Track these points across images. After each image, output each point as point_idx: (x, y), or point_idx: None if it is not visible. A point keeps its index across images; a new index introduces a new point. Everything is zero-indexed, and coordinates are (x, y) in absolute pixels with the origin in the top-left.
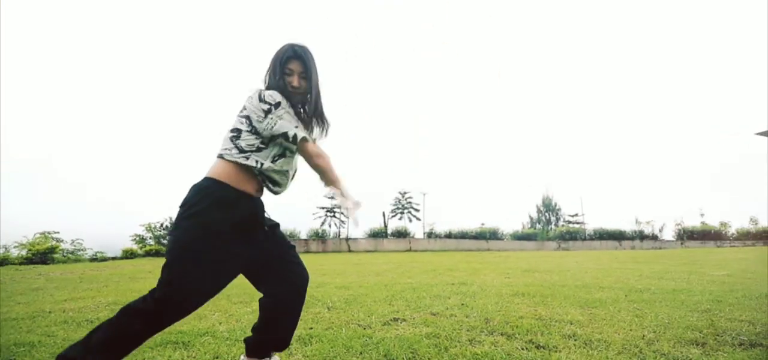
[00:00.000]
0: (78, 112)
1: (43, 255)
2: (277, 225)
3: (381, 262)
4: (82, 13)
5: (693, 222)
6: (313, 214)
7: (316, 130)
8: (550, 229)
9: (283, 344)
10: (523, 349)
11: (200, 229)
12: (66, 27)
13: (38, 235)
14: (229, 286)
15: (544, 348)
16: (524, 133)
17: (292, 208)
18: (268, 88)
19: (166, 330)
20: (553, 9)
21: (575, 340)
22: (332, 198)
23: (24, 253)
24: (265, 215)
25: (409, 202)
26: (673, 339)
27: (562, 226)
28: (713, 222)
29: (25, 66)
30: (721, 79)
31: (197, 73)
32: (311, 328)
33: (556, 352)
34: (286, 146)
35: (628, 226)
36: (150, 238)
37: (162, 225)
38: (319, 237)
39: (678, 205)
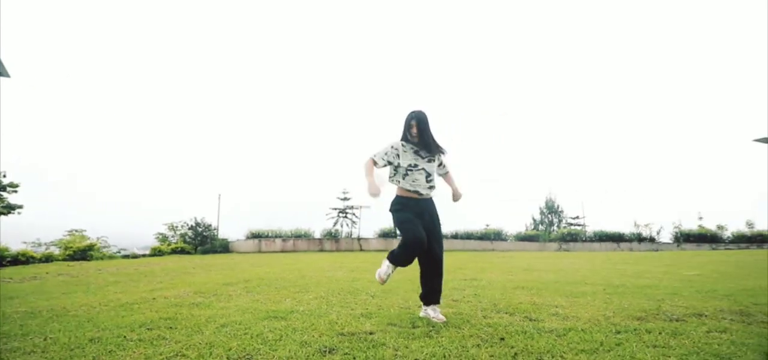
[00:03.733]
0: (73, 112)
1: (83, 252)
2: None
3: None
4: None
5: (691, 225)
6: (327, 214)
7: (437, 156)
8: (553, 231)
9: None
10: (520, 321)
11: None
12: (70, 22)
13: (68, 234)
14: (292, 281)
15: (534, 320)
16: (528, 138)
17: (307, 208)
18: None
19: (268, 308)
20: (550, 16)
21: (557, 315)
22: (345, 200)
23: (59, 251)
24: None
25: None
26: (624, 316)
27: (564, 228)
28: (711, 225)
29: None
30: (720, 85)
31: (199, 75)
32: (367, 308)
33: (541, 322)
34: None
35: (627, 229)
36: (172, 235)
37: (188, 225)
38: (333, 236)
39: (677, 208)
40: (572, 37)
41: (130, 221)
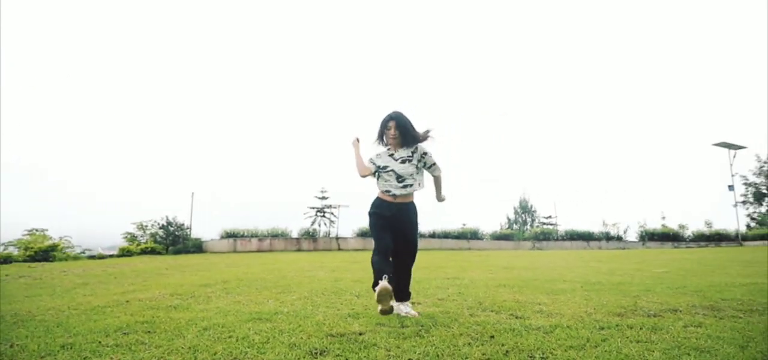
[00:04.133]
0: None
1: (45, 253)
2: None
3: None
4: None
5: (655, 224)
6: (304, 213)
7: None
8: (526, 230)
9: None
10: (507, 319)
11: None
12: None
13: (27, 233)
14: (273, 282)
15: (520, 317)
16: (503, 140)
17: (284, 207)
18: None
19: (250, 310)
20: (524, 23)
21: (541, 313)
22: (323, 199)
23: (18, 251)
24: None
25: None
26: (605, 312)
27: (537, 227)
28: (673, 224)
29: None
30: (683, 93)
31: (171, 70)
32: (354, 309)
33: (527, 319)
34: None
35: (596, 228)
36: (142, 235)
37: (158, 224)
38: (310, 236)
39: (642, 208)
40: (552, 46)
41: (93, 220)
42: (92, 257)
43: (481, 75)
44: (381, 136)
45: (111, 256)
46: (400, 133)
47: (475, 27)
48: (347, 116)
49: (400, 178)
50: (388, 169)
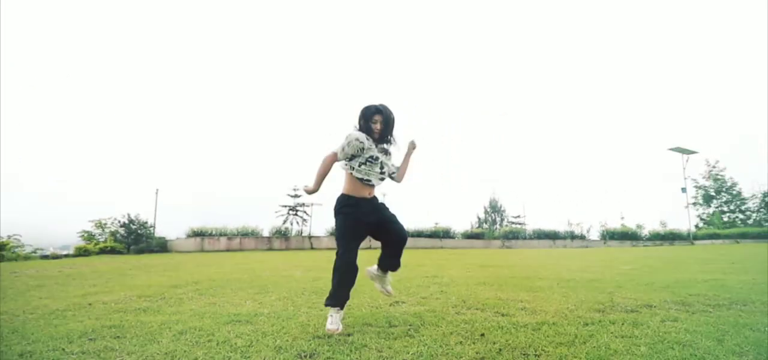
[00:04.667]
0: None
1: None
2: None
3: None
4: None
5: (614, 224)
6: (276, 211)
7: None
8: (496, 229)
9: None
10: (493, 316)
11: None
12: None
13: None
14: (247, 282)
15: (506, 315)
16: (476, 142)
17: (255, 206)
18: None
19: (228, 312)
20: (491, 26)
21: (525, 310)
22: (295, 197)
23: None
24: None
25: None
26: (586, 308)
27: (506, 226)
28: (631, 224)
29: None
30: (642, 102)
31: (133, 61)
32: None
33: (513, 317)
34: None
35: (561, 227)
36: (100, 234)
37: (119, 222)
38: (282, 235)
39: (603, 209)
40: (517, 51)
41: (45, 218)
42: (45, 257)
43: (481, 75)
44: (367, 128)
45: (66, 255)
46: (384, 129)
47: (476, 28)
48: (344, 116)
49: (383, 167)
50: (378, 160)
